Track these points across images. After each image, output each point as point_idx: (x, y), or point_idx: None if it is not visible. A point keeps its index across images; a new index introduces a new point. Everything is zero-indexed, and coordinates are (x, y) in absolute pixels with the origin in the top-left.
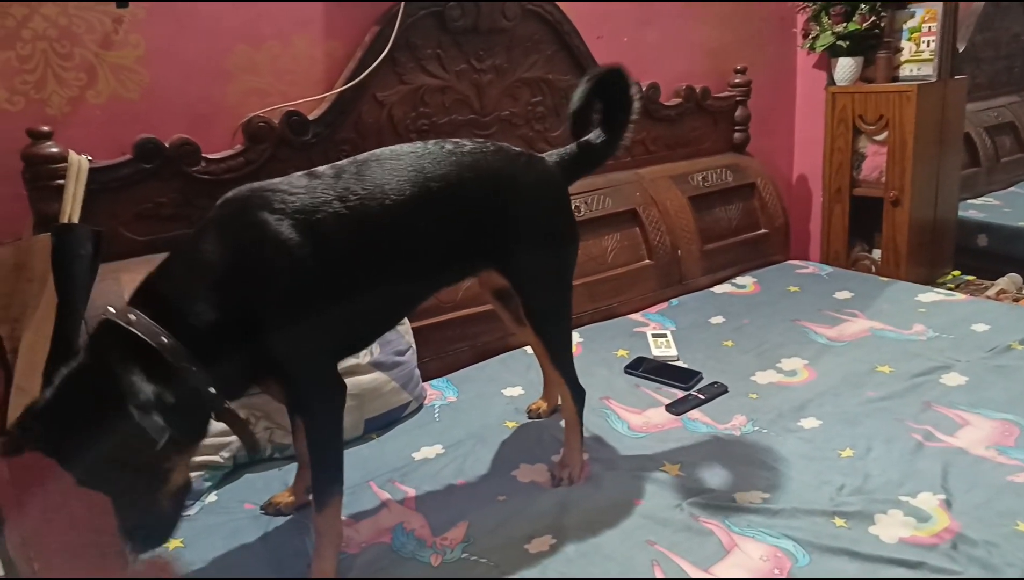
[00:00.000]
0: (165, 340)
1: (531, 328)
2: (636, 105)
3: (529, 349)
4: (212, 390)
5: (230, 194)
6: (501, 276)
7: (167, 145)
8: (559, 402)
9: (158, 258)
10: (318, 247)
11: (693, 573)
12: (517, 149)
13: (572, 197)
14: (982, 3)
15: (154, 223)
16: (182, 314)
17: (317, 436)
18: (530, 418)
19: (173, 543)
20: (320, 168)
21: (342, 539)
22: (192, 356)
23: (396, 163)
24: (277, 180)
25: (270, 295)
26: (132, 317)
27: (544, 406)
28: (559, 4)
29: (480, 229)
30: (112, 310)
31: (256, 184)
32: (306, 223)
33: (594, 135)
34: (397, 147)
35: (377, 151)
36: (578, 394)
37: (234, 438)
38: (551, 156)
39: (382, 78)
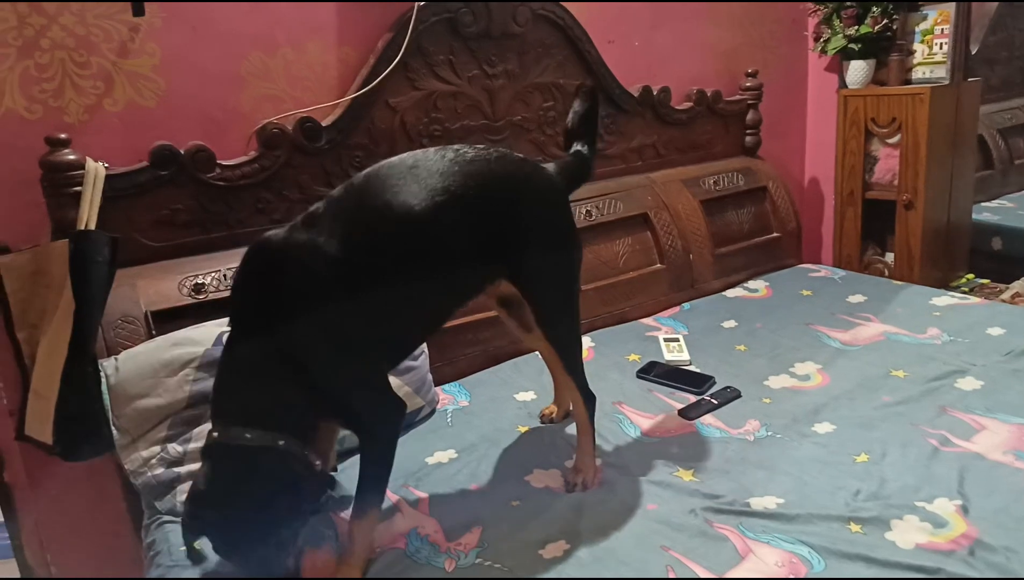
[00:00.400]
0: (282, 442)
1: (542, 334)
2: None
3: (540, 354)
4: (317, 463)
5: (255, 248)
6: (511, 284)
7: (182, 152)
8: (571, 407)
9: (175, 264)
10: (340, 288)
11: (708, 579)
12: (520, 156)
13: (583, 201)
14: (995, 4)
15: (170, 229)
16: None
17: (373, 452)
18: (543, 423)
19: None
20: (316, 207)
21: (372, 551)
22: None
23: (397, 180)
24: (295, 236)
25: (313, 349)
26: (248, 435)
27: (556, 411)
28: (570, 8)
29: (489, 237)
30: (220, 434)
31: (269, 245)
32: (323, 277)
33: (582, 146)
34: (395, 160)
35: (375, 168)
36: (589, 399)
37: None
38: (552, 166)
39: (395, 84)
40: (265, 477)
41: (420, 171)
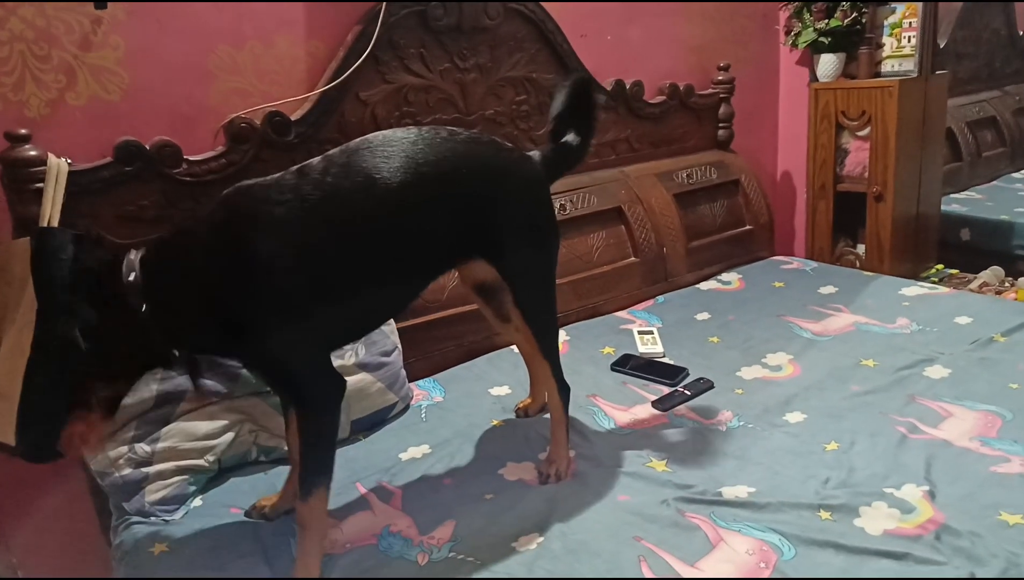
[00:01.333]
0: (132, 278)
1: (521, 320)
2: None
3: (516, 348)
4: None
5: (224, 194)
6: (491, 267)
7: (148, 147)
8: (546, 400)
9: None
10: (308, 246)
11: (680, 568)
12: (508, 144)
13: (557, 195)
14: None
15: (136, 226)
16: (165, 280)
17: (312, 429)
18: (517, 416)
19: (158, 547)
20: (312, 161)
21: (327, 535)
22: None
23: (388, 149)
24: (269, 179)
25: (260, 299)
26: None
27: (532, 404)
28: (542, 3)
29: (472, 218)
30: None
31: (247, 184)
32: (295, 223)
33: (571, 137)
34: (390, 132)
35: (369, 137)
36: (564, 389)
37: (219, 441)
38: (534, 154)
39: (365, 78)
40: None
41: (407, 145)
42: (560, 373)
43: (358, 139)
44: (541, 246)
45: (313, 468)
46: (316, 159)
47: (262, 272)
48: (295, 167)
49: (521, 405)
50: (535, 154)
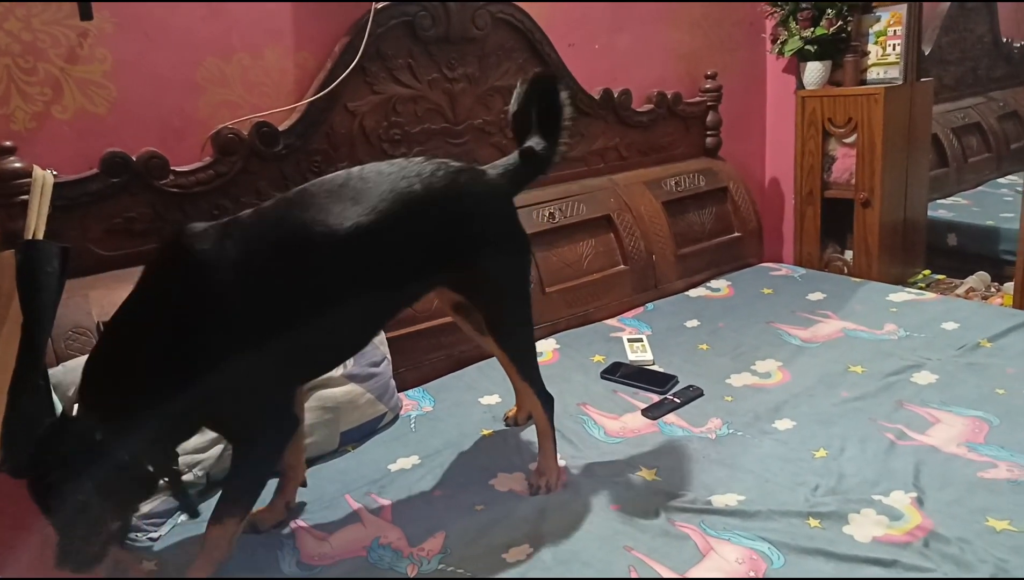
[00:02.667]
0: (99, 437)
1: (495, 344)
2: (568, 111)
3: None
4: (150, 468)
5: (160, 244)
6: (455, 293)
7: (134, 159)
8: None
9: (129, 273)
10: (252, 286)
11: (670, 578)
12: (457, 164)
13: (546, 204)
14: (947, 6)
15: (124, 238)
16: (120, 384)
17: (246, 459)
18: (507, 425)
19: (147, 565)
20: (265, 204)
21: (224, 560)
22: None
23: (323, 198)
24: (216, 224)
25: (203, 340)
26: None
27: (519, 413)
28: (530, 12)
29: (428, 248)
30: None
31: (190, 226)
32: (239, 264)
33: (535, 142)
34: (328, 177)
35: (308, 184)
36: (547, 402)
37: (207, 455)
38: (495, 168)
39: (353, 88)
40: (74, 460)
41: (347, 190)
42: (542, 388)
43: (299, 187)
44: (505, 265)
45: (234, 496)
46: (269, 202)
47: (204, 300)
48: (251, 209)
49: (509, 414)
50: (495, 167)
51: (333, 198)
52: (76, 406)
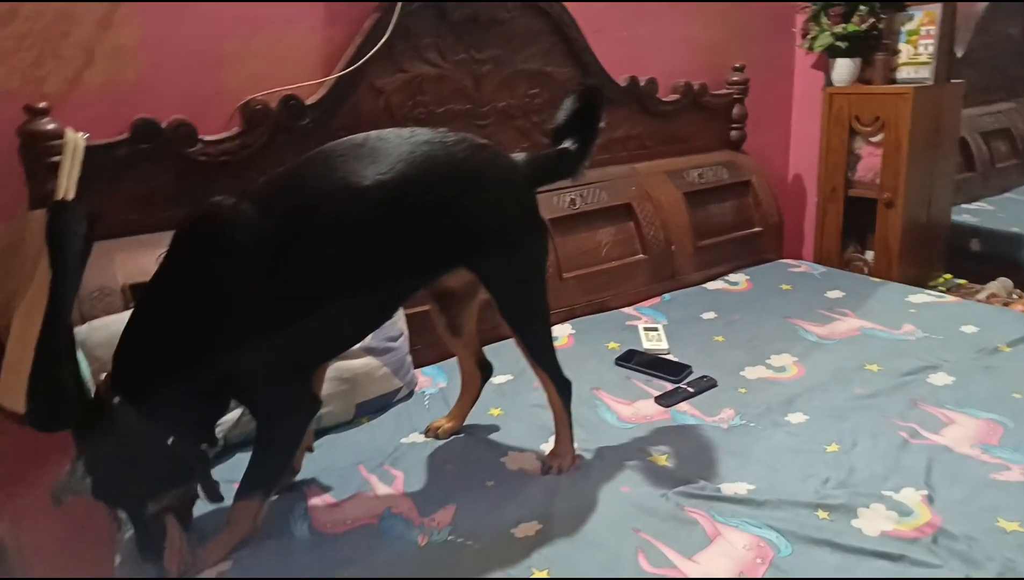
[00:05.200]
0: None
1: (508, 327)
2: (602, 125)
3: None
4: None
5: (190, 218)
6: (471, 274)
7: (164, 126)
8: (464, 422)
9: (154, 238)
10: (276, 259)
11: (677, 560)
12: (480, 141)
13: (567, 190)
14: (982, 7)
15: (150, 203)
16: (153, 381)
17: (269, 439)
18: (427, 437)
19: None
20: (281, 170)
21: (248, 536)
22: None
23: (340, 159)
24: (243, 197)
25: (227, 315)
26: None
27: (447, 425)
28: None
29: (446, 225)
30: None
31: (214, 201)
32: (262, 236)
33: (570, 144)
34: (345, 139)
35: (334, 144)
36: (564, 387)
37: (226, 419)
38: (521, 156)
39: (380, 66)
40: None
41: (365, 151)
42: (559, 374)
43: (325, 147)
44: (521, 251)
45: (258, 474)
46: (284, 168)
47: (228, 293)
48: (265, 177)
49: (434, 425)
50: (522, 155)
51: (352, 159)
52: (104, 377)
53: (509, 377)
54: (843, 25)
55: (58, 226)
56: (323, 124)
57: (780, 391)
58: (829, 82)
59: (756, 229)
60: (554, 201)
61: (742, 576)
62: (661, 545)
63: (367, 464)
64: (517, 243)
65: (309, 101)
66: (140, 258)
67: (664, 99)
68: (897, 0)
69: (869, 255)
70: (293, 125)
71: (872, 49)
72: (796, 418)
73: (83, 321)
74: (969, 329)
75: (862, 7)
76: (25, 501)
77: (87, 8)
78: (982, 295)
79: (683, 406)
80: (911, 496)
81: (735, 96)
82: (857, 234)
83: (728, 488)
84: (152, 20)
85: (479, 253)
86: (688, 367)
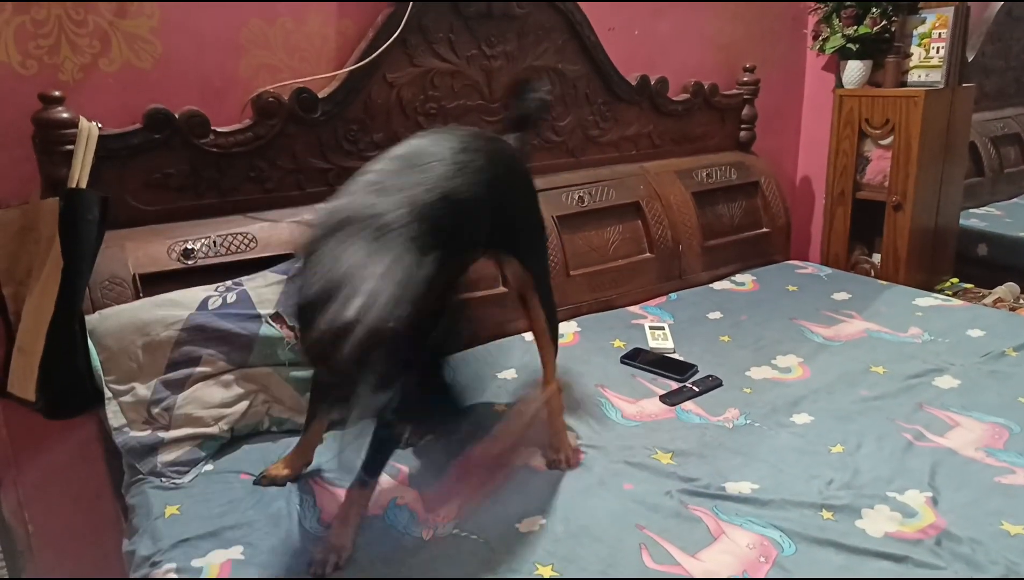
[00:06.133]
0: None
1: (538, 303)
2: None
3: (527, 336)
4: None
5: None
6: (509, 257)
7: (177, 116)
8: (306, 468)
9: (165, 228)
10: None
11: (680, 557)
12: (489, 132)
13: (575, 187)
14: (995, 11)
15: (162, 193)
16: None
17: (379, 439)
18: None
19: (169, 510)
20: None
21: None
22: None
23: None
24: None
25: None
26: None
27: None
28: None
29: (489, 215)
30: None
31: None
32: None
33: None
34: (430, 138)
35: (413, 144)
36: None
37: (232, 410)
38: (510, 138)
39: (393, 60)
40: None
41: (450, 149)
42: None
43: (408, 148)
44: (540, 231)
45: (372, 467)
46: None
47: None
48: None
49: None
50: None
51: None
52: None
53: (514, 373)
54: (855, 27)
55: (70, 214)
56: (335, 116)
57: (785, 392)
58: (839, 84)
59: (764, 230)
60: (563, 198)
61: (745, 574)
62: (664, 542)
63: None
64: (537, 222)
65: (322, 94)
66: (151, 248)
67: (675, 98)
68: (910, 1)
69: (876, 258)
70: (305, 117)
71: (883, 52)
72: (801, 419)
73: (94, 308)
74: (976, 333)
75: (874, 9)
76: (32, 484)
77: None
78: (989, 300)
79: (688, 405)
80: (915, 498)
81: (745, 96)
82: (864, 237)
83: (732, 487)
84: (167, 8)
85: (515, 236)
86: (694, 366)
